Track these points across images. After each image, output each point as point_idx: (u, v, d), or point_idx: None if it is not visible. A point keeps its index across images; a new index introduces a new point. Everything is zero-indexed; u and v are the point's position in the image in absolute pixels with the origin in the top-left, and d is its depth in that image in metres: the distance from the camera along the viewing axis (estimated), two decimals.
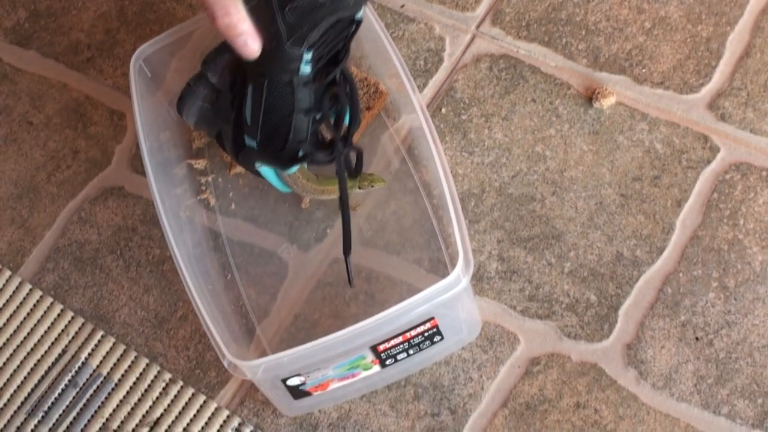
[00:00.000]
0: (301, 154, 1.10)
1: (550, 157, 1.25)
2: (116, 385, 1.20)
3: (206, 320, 1.05)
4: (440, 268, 1.19)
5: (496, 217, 1.22)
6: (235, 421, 1.16)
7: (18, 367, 1.23)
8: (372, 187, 1.20)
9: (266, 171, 1.16)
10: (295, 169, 1.13)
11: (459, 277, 1.01)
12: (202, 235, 1.25)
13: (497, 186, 1.24)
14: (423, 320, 1.06)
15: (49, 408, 1.20)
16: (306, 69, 1.06)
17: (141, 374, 1.20)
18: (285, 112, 1.08)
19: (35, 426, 1.20)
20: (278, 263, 1.23)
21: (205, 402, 1.18)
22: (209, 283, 1.18)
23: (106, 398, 1.20)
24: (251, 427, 1.16)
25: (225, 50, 1.11)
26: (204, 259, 1.23)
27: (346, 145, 1.12)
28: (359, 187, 1.19)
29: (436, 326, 1.08)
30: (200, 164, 1.29)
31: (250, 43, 1.03)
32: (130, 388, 1.20)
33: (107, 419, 1.19)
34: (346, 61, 1.10)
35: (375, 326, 1.00)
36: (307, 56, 1.05)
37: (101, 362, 1.22)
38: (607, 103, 1.26)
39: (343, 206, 1.09)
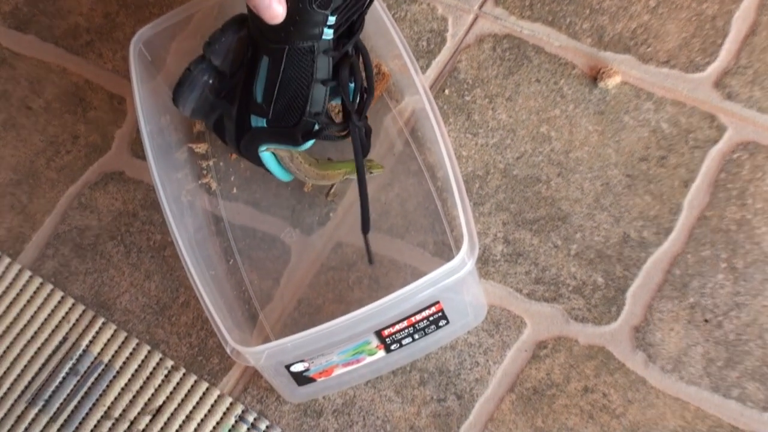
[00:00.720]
0: (316, 128, 1.10)
1: (555, 137, 1.23)
2: (118, 372, 1.19)
3: (208, 306, 1.04)
4: (445, 251, 1.17)
5: (501, 199, 1.20)
6: (239, 409, 1.15)
7: (18, 355, 1.21)
8: (371, 173, 1.18)
9: (267, 157, 1.15)
10: (308, 145, 1.12)
11: (464, 260, 1.00)
12: (204, 220, 1.24)
13: (502, 167, 1.22)
14: (428, 304, 1.05)
15: (50, 397, 1.18)
16: (328, 34, 1.06)
17: (143, 362, 1.19)
18: (303, 82, 1.08)
19: (36, 415, 1.18)
20: (281, 247, 1.22)
21: (207, 389, 1.16)
22: (211, 269, 1.17)
23: (107, 386, 1.18)
24: (255, 415, 1.14)
25: (230, 31, 1.11)
26: (206, 244, 1.21)
27: (360, 118, 1.11)
28: None
29: (442, 310, 1.06)
30: (201, 148, 1.27)
31: (275, 5, 1.02)
32: (132, 375, 1.18)
33: (109, 407, 1.17)
34: (361, 33, 1.10)
35: (379, 311, 0.99)
36: (331, 20, 1.05)
37: (102, 350, 1.20)
38: (612, 82, 1.24)
39: (360, 183, 1.09)
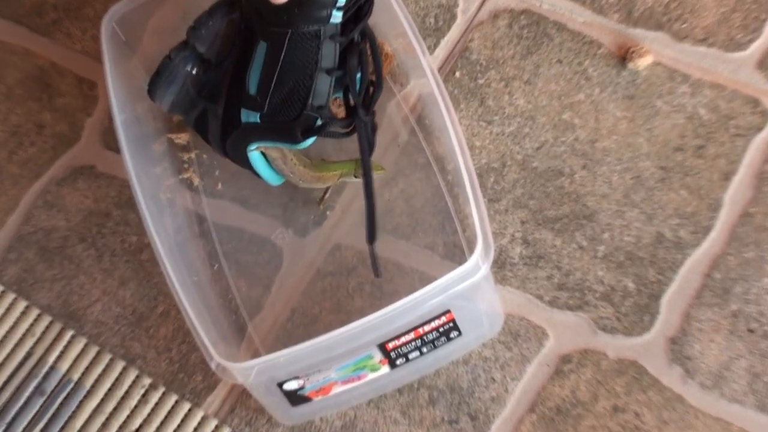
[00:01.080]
0: (319, 123, 1.09)
1: (580, 125, 1.22)
2: (89, 392, 1.18)
3: (191, 317, 1.03)
4: (457, 254, 1.17)
5: (519, 195, 1.20)
6: None
7: None
8: None
9: (256, 157, 1.15)
10: (309, 143, 1.12)
11: (478, 264, 0.99)
12: (185, 220, 1.23)
13: (520, 159, 1.22)
14: (438, 314, 1.04)
15: (13, 419, 1.18)
16: (337, 17, 1.05)
17: (117, 379, 1.18)
18: (306, 71, 1.07)
19: None
20: (272, 251, 1.21)
21: (190, 410, 1.16)
22: (194, 275, 1.16)
23: (77, 407, 1.17)
24: None
25: (218, 13, 1.11)
26: (187, 246, 1.21)
27: (368, 113, 1.11)
28: (355, 176, 1.17)
29: (453, 320, 1.06)
30: (182, 139, 1.27)
31: None
32: (105, 395, 1.18)
33: (79, 431, 1.16)
34: (369, 17, 1.10)
35: (383, 321, 0.99)
36: (341, 0, 1.04)
37: (71, 366, 1.20)
38: (643, 63, 1.24)
39: (367, 187, 1.08)
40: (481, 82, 1.26)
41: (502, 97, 1.25)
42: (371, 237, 1.07)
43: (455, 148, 1.05)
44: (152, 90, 1.14)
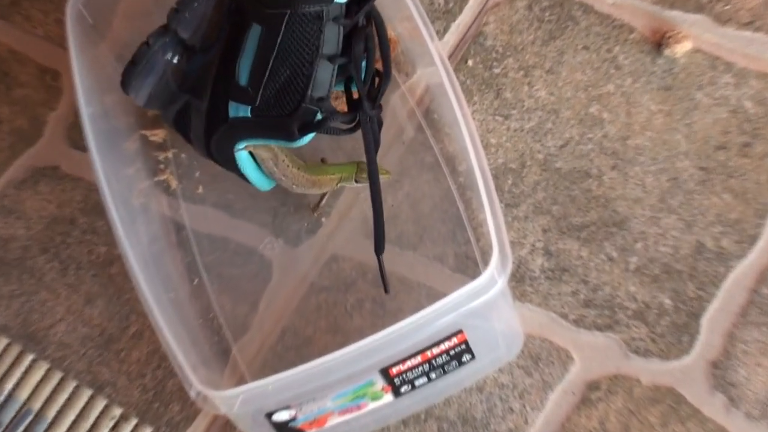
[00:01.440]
0: (319, 117, 1.09)
1: (609, 120, 1.22)
2: (51, 423, 1.18)
3: (167, 338, 1.03)
4: (469, 267, 1.16)
5: (540, 199, 1.20)
6: None
7: None
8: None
9: (244, 158, 1.14)
10: (306, 140, 1.11)
11: (494, 278, 0.99)
12: (161, 228, 1.23)
13: (541, 159, 1.22)
14: (448, 334, 1.03)
15: None
16: None
17: (83, 409, 1.18)
18: (306, 57, 1.07)
19: None
20: (260, 263, 1.21)
21: None
22: (171, 290, 1.16)
23: None
24: None
25: None
26: (164, 258, 1.21)
27: (374, 106, 1.10)
28: (356, 180, 1.17)
29: (465, 342, 1.05)
30: (158, 136, 1.27)
31: None
32: (69, 427, 1.17)
33: None
34: None
35: (386, 343, 0.98)
36: None
37: (31, 394, 1.19)
38: (681, 49, 1.24)
39: (374, 192, 1.08)
40: (497, 71, 1.26)
41: (521, 88, 1.25)
42: (379, 247, 1.07)
43: (468, 146, 1.04)
44: (127, 81, 1.13)
